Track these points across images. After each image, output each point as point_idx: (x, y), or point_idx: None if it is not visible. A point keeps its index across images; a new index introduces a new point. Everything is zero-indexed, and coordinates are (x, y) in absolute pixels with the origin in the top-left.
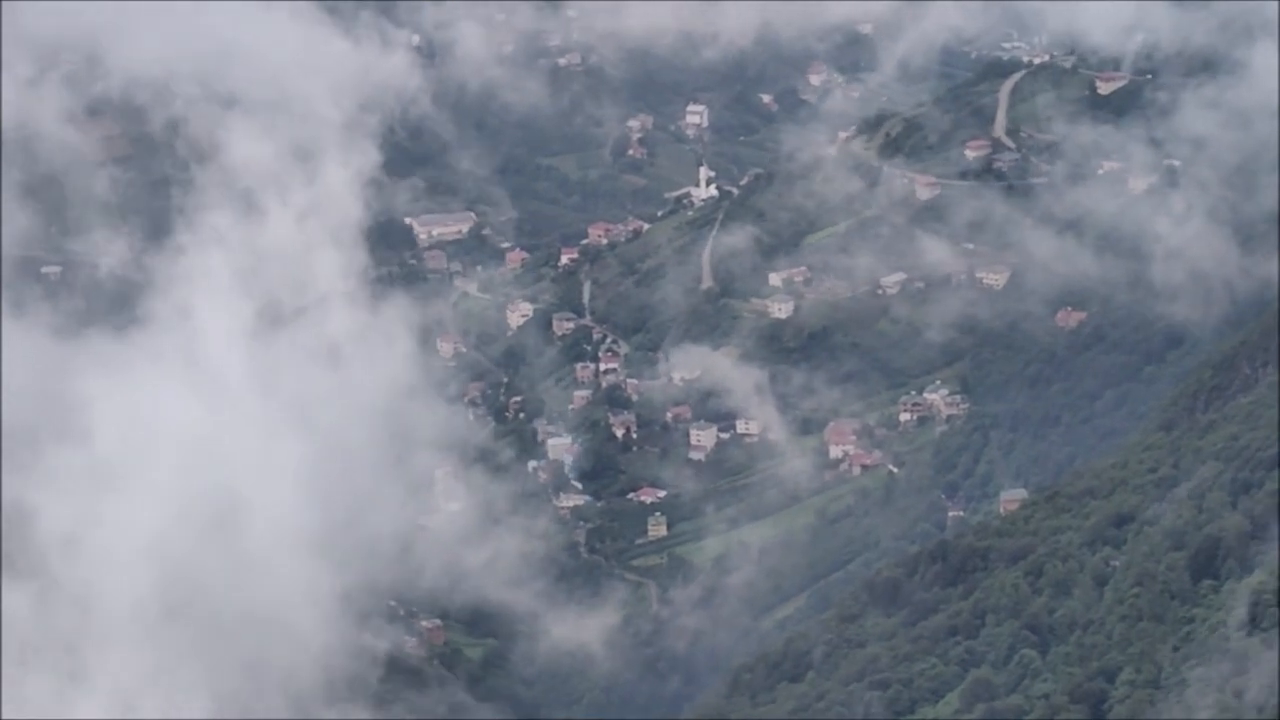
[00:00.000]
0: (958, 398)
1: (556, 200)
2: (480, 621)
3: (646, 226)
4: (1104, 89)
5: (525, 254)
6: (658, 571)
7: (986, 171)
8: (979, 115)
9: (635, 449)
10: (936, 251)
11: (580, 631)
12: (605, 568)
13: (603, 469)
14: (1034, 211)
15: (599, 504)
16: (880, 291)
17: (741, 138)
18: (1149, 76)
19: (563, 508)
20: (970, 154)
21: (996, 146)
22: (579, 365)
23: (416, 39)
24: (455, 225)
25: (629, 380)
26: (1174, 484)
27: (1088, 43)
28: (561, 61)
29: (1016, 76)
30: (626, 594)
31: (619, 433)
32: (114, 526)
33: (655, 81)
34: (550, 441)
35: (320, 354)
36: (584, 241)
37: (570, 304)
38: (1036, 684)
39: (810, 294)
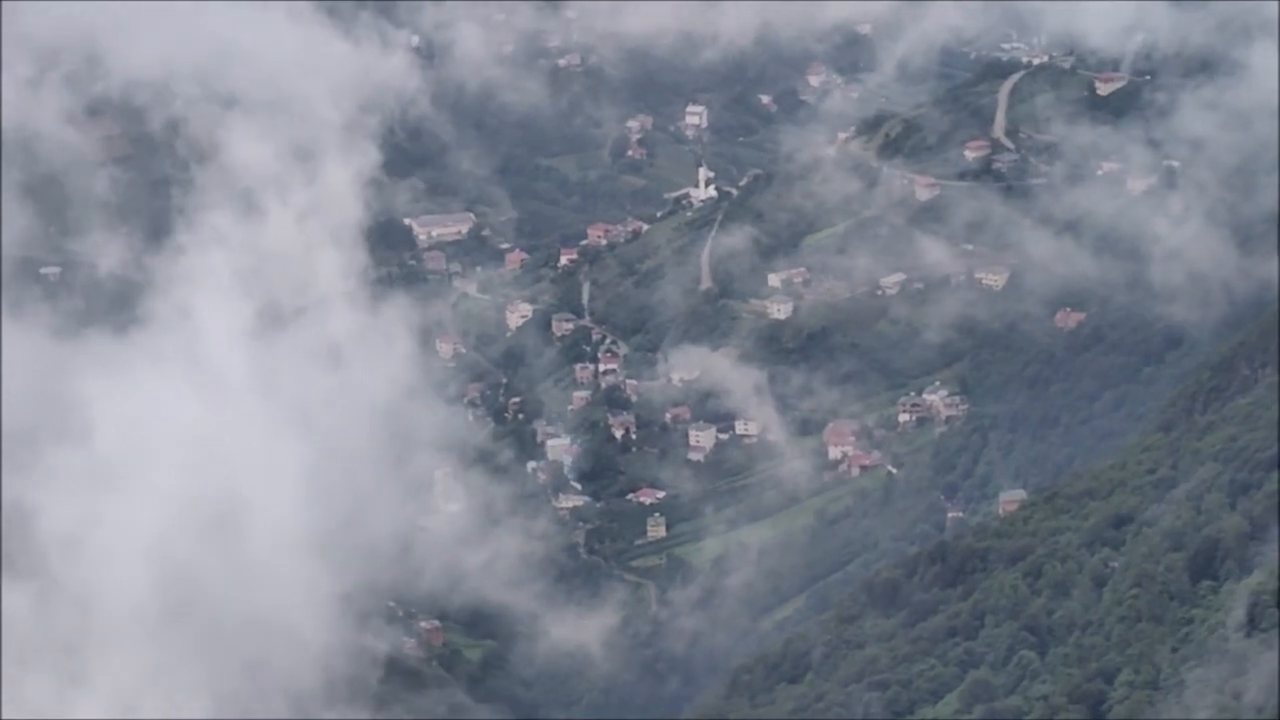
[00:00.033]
0: (957, 398)
1: (556, 201)
2: (479, 622)
3: (646, 227)
4: (1103, 90)
5: (524, 255)
6: (657, 572)
7: (985, 172)
8: (978, 116)
9: (634, 450)
10: (935, 252)
11: (579, 632)
12: (604, 568)
13: (602, 470)
14: (1033, 212)
15: (598, 505)
16: (879, 292)
17: (741, 138)
18: (1148, 77)
19: (562, 508)
20: (969, 155)
21: (996, 147)
22: (578, 366)
23: (416, 39)
24: (455, 226)
25: (628, 381)
26: (1173, 485)
27: (1087, 43)
28: (561, 62)
29: (1016, 77)
30: (625, 595)
31: (618, 433)
32: (114, 527)
33: (654, 82)
34: (549, 442)
35: (319, 355)
36: (583, 242)
37: (569, 305)
38: (1035, 685)
39: (809, 295)
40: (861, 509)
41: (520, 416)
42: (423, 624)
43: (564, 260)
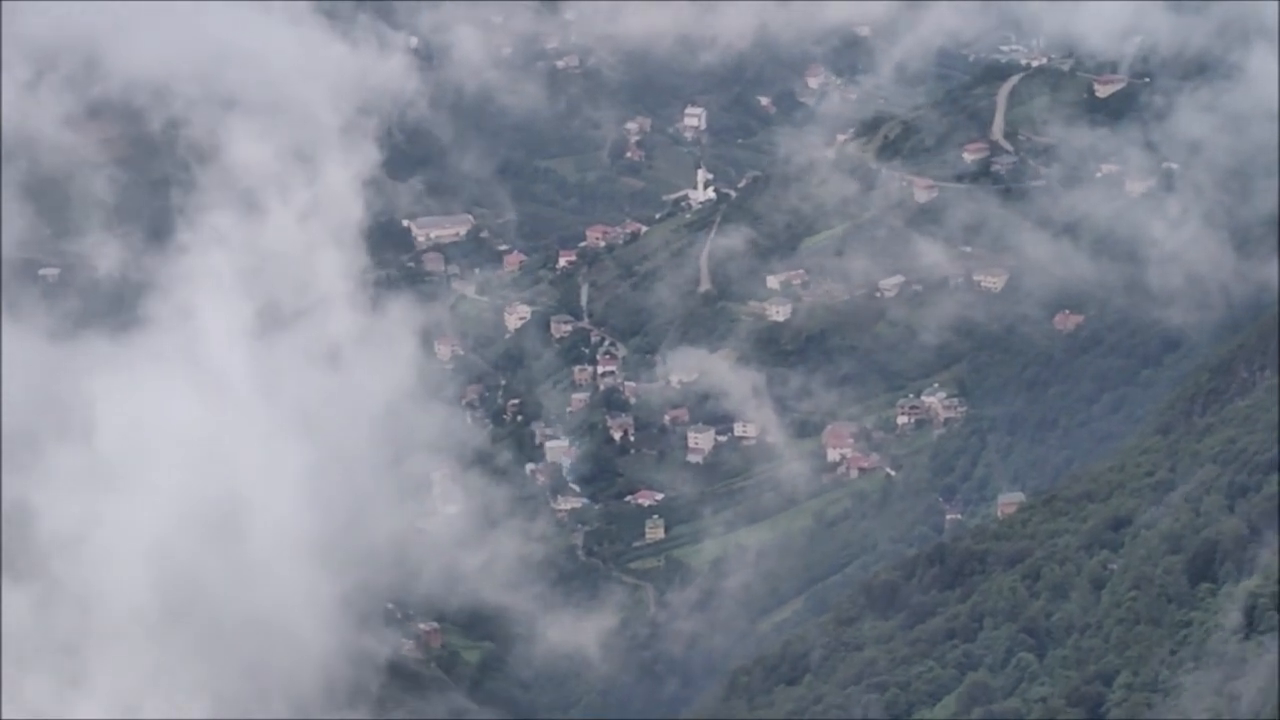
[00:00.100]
0: (955, 401)
1: (554, 202)
2: (478, 624)
3: (644, 229)
4: (1102, 92)
5: (523, 256)
6: (655, 574)
7: (984, 174)
8: (976, 118)
9: (633, 452)
10: (934, 254)
11: (578, 634)
12: (603, 570)
13: (600, 472)
14: (1031, 214)
15: (597, 507)
16: (878, 294)
17: (739, 140)
18: (1146, 79)
19: (560, 510)
20: (968, 156)
21: (994, 149)
22: (577, 368)
23: (414, 41)
24: (453, 227)
25: (627, 383)
26: (1171, 487)
27: (1085, 46)
28: (559, 64)
29: (1014, 79)
30: (624, 597)
31: (617, 435)
32: (113, 528)
33: (653, 84)
34: (548, 444)
35: (318, 356)
36: (582, 244)
37: (568, 306)
38: (1034, 687)
39: (808, 296)
40: (860, 511)
41: (519, 418)
42: (421, 626)
43: (563, 262)
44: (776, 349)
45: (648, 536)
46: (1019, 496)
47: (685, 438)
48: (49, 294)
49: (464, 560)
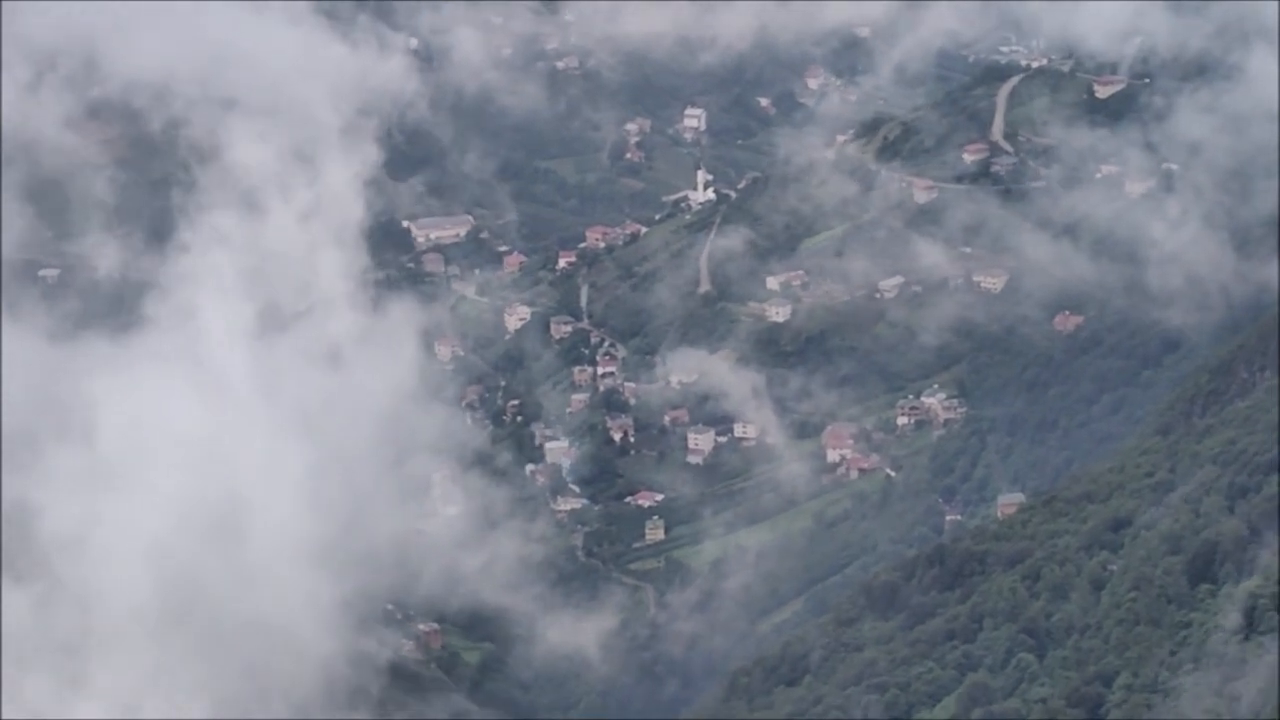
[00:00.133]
0: (955, 401)
1: (554, 203)
2: (478, 625)
3: (644, 230)
4: (1101, 93)
5: (523, 257)
6: (655, 575)
7: (984, 175)
8: (976, 119)
9: (633, 453)
10: (934, 255)
11: (577, 635)
12: (603, 571)
13: (600, 473)
14: (1031, 215)
15: (596, 508)
16: (877, 295)
17: (739, 141)
18: (1146, 80)
19: (560, 511)
20: (967, 157)
21: (994, 150)
22: (577, 369)
23: (414, 42)
24: (453, 228)
25: (627, 384)
26: (1171, 488)
27: (1085, 46)
28: (559, 65)
29: (1014, 80)
30: (624, 598)
31: (617, 436)
32: (114, 528)
33: (653, 85)
34: (548, 445)
35: (318, 357)
36: (582, 245)
37: (568, 307)
38: (1033, 688)
39: (807, 297)
40: (860, 512)
41: (519, 419)
42: (421, 627)
43: (562, 263)
44: (776, 350)
45: (648, 537)
46: (1019, 497)
47: (685, 439)
48: (49, 294)
49: (464, 561)
